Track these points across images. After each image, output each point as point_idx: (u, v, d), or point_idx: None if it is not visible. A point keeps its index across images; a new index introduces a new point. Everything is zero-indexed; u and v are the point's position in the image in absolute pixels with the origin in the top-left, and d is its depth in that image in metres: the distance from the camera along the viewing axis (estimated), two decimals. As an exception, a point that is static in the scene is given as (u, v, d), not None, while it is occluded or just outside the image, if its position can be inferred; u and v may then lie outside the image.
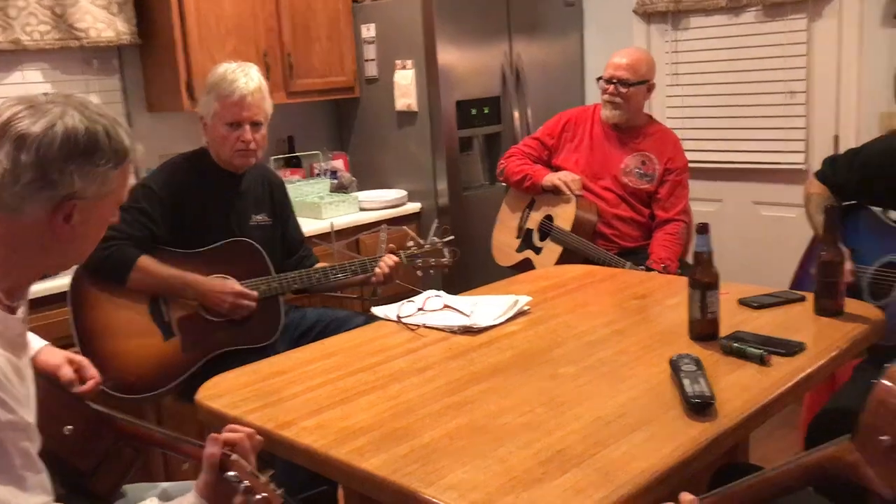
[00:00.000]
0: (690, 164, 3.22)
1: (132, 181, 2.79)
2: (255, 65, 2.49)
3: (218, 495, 1.30)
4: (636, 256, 2.98)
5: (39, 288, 2.58)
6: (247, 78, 2.41)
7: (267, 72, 3.42)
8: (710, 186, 3.82)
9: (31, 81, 3.11)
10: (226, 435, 1.34)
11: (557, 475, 1.28)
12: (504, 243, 3.33)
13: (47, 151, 1.22)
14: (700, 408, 1.45)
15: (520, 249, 3.25)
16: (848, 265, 2.16)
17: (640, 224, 3.12)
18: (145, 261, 2.28)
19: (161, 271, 2.30)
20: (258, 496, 1.22)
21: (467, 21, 3.65)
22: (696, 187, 3.75)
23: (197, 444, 1.40)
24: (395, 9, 3.68)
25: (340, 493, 2.16)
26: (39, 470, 1.25)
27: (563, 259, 3.01)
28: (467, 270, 3.38)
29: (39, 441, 1.33)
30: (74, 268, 2.31)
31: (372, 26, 3.77)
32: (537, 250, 3.17)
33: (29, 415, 1.27)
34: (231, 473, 1.26)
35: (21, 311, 1.32)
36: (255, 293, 2.36)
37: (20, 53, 3.02)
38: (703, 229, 1.81)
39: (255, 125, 2.42)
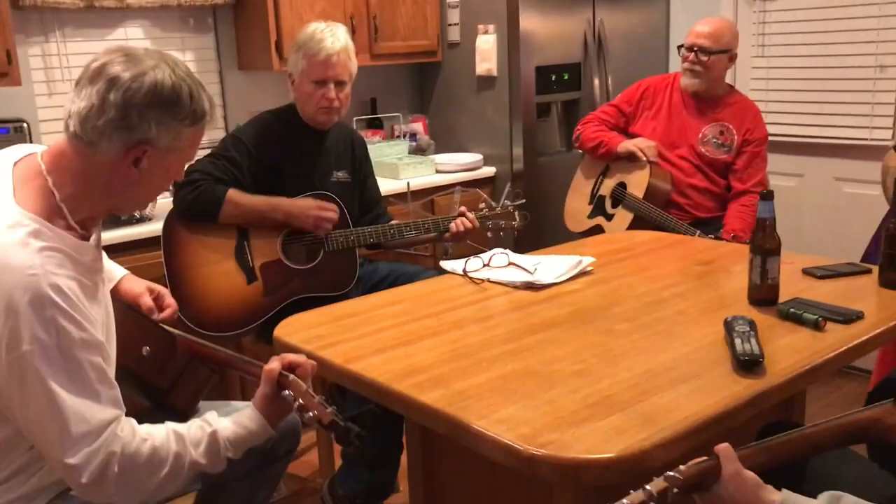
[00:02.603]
0: (772, 138, 3.18)
1: (222, 133, 2.95)
2: (343, 25, 2.59)
3: (273, 410, 1.44)
4: (710, 227, 2.99)
5: (133, 231, 2.79)
6: (333, 38, 2.51)
7: (353, 34, 3.49)
8: (791, 160, 3.75)
9: (132, 38, 3.30)
10: (288, 356, 1.47)
11: (602, 417, 1.36)
12: (576, 209, 3.38)
13: (133, 96, 1.33)
14: (748, 365, 1.50)
15: (591, 216, 3.29)
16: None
17: (715, 195, 3.12)
18: (234, 193, 2.44)
19: (249, 200, 2.45)
20: (309, 413, 1.35)
21: (551, -13, 3.67)
22: (777, 161, 3.70)
23: (258, 364, 1.53)
24: (481, -27, 3.73)
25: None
26: (112, 386, 1.39)
27: (634, 226, 3.03)
28: (539, 235, 3.44)
29: (114, 361, 1.47)
30: (167, 212, 2.49)
31: (457, -10, 3.83)
32: (609, 217, 3.20)
33: (102, 334, 1.40)
34: (287, 392, 1.39)
35: (93, 239, 1.45)
36: (334, 206, 2.50)
37: (124, 11, 3.21)
38: (768, 196, 1.83)
39: (340, 84, 2.53)
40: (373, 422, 2.24)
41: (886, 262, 1.94)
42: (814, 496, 1.19)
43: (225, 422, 1.48)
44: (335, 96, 2.51)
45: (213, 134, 3.44)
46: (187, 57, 3.46)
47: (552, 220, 3.52)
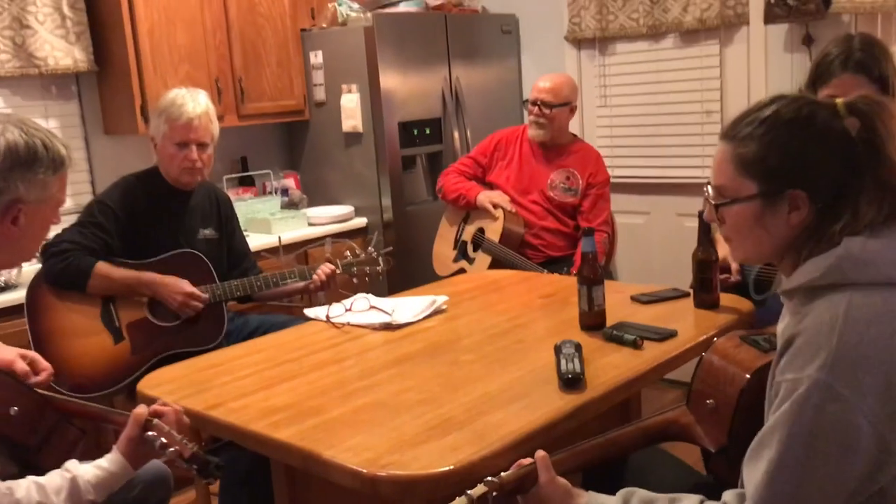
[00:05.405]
0: (620, 179, 3.46)
1: (90, 198, 2.99)
2: (203, 91, 2.71)
3: (136, 451, 1.51)
4: (563, 264, 3.23)
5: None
6: (195, 103, 2.63)
7: (219, 96, 3.64)
8: (638, 200, 4.08)
9: (-8, 107, 3.30)
10: (154, 406, 1.55)
11: (440, 437, 1.51)
12: (442, 254, 3.57)
13: None
14: (570, 382, 1.69)
15: (456, 260, 3.48)
16: (734, 265, 2.42)
17: (565, 235, 3.37)
18: (102, 266, 2.48)
19: (117, 274, 2.50)
20: (172, 449, 1.44)
21: (408, 48, 3.90)
22: (625, 201, 4.02)
23: (126, 414, 1.60)
24: (341, 36, 3.92)
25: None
26: None
27: (493, 268, 3.24)
28: (410, 279, 3.60)
29: None
30: (31, 279, 2.51)
31: (319, 53, 4.01)
32: (470, 260, 3.40)
33: None
34: (150, 433, 1.48)
35: None
36: (205, 295, 2.56)
37: (-18, 81, 3.22)
38: (589, 232, 2.05)
39: (202, 146, 2.64)
40: (233, 454, 2.30)
41: (697, 286, 2.19)
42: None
43: (85, 466, 1.53)
44: (197, 157, 2.62)
45: (81, 199, 3.46)
46: (51, 124, 3.47)
47: (422, 264, 3.69)
